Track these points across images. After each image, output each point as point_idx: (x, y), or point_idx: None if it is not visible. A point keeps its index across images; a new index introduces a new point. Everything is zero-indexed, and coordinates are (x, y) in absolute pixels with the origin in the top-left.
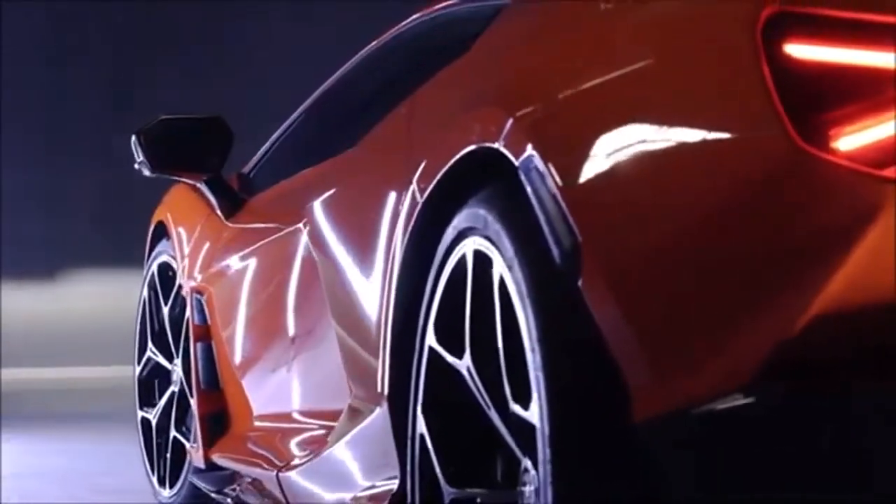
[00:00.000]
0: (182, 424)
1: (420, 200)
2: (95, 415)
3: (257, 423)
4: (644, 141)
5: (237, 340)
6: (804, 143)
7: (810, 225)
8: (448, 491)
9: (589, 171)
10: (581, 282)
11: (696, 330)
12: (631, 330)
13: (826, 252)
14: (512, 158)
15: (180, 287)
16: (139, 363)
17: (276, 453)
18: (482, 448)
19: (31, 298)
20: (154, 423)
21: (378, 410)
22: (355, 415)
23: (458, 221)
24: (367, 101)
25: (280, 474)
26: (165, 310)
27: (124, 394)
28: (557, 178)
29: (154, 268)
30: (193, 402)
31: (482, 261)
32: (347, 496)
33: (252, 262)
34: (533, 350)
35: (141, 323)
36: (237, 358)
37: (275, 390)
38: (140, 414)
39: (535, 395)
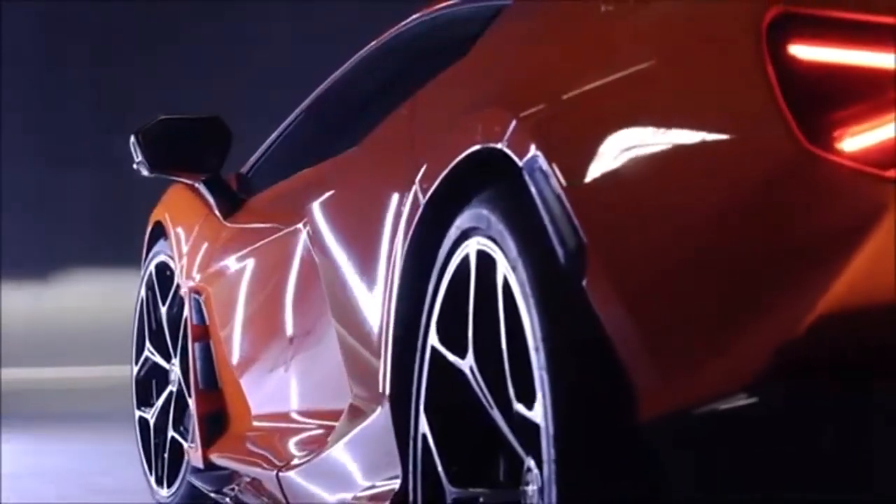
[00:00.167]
0: (180, 424)
1: (422, 201)
2: (93, 415)
3: (256, 423)
4: (648, 141)
5: (236, 340)
6: (809, 144)
7: (815, 225)
8: (450, 490)
9: (593, 171)
10: (585, 282)
11: (700, 330)
12: (635, 330)
13: (830, 252)
14: (516, 159)
15: (178, 287)
16: (137, 363)
17: (276, 453)
18: (484, 447)
19: (29, 298)
20: (152, 422)
21: (379, 410)
22: (356, 414)
23: (462, 221)
24: (366, 102)
25: (280, 474)
26: (163, 309)
27: (122, 393)
28: (561, 179)
29: (152, 268)
30: (192, 401)
31: (485, 261)
32: (348, 496)
33: (251, 262)
34: (537, 350)
35: (138, 323)
36: (236, 358)
37: (273, 390)
38: (138, 414)
39: (539, 395)
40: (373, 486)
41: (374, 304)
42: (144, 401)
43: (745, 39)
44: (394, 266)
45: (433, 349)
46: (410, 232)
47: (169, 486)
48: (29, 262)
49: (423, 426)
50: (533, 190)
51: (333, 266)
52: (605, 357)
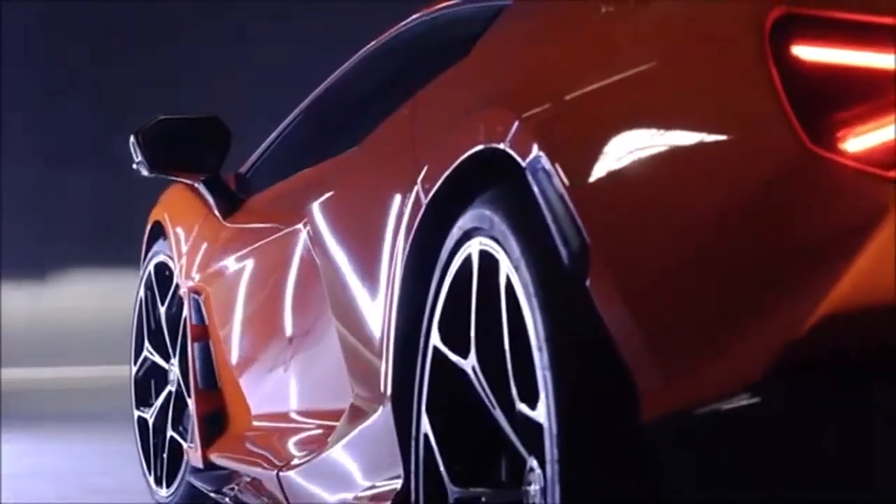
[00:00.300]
0: (179, 424)
1: (424, 201)
2: (92, 414)
3: (255, 423)
4: (651, 142)
5: (235, 340)
6: (811, 145)
7: (817, 226)
8: (452, 490)
9: (596, 171)
10: (589, 282)
11: (702, 330)
12: (639, 330)
13: (832, 253)
14: (518, 159)
15: (177, 287)
16: (135, 363)
17: (276, 453)
18: (487, 447)
19: (29, 298)
20: (151, 422)
21: (381, 410)
22: (357, 414)
23: (464, 222)
24: (366, 102)
25: (280, 474)
26: (162, 309)
27: (121, 393)
28: (564, 179)
29: (151, 267)
30: (191, 401)
31: (488, 261)
32: (349, 496)
33: (251, 262)
34: (540, 350)
35: (137, 323)
36: (235, 358)
37: (273, 390)
38: (136, 413)
39: (542, 395)
40: (374, 486)
41: (376, 304)
42: (143, 401)
43: (748, 40)
44: (395, 266)
45: (435, 349)
46: (412, 232)
47: (168, 485)
48: (28, 262)
49: (425, 426)
50: (536, 190)
51: (334, 266)
52: (608, 357)
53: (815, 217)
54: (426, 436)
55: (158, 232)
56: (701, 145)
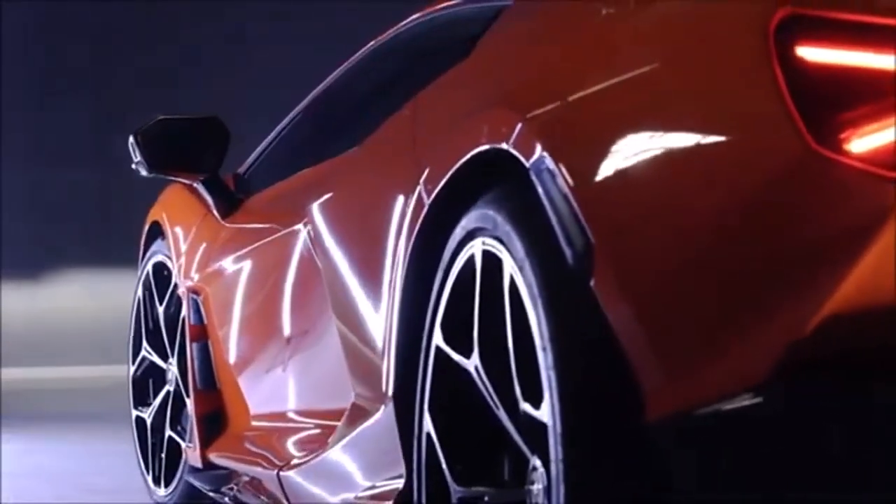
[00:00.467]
0: (177, 423)
1: (427, 202)
2: (90, 414)
3: (255, 423)
4: (656, 142)
5: (234, 340)
6: (816, 145)
7: (822, 226)
8: (455, 489)
9: (600, 171)
10: (593, 282)
11: (707, 330)
12: (643, 330)
13: (838, 253)
14: (522, 159)
15: (175, 287)
16: (133, 363)
17: (276, 452)
18: (489, 446)
19: (27, 298)
20: (149, 422)
21: (383, 409)
22: (359, 414)
23: (467, 222)
24: (365, 102)
25: (281, 473)
26: (160, 309)
27: (119, 393)
28: (569, 179)
29: (149, 267)
30: (190, 401)
31: (491, 261)
32: (350, 495)
33: (250, 262)
34: (544, 350)
35: (135, 322)
36: (234, 358)
37: (273, 390)
38: (135, 413)
39: (546, 395)
40: (376, 486)
41: (378, 304)
42: (141, 400)
43: (753, 41)
44: (397, 267)
45: (438, 349)
46: (414, 232)
47: (166, 485)
48: (27, 262)
49: (428, 425)
50: (540, 190)
51: (335, 266)
52: (613, 357)
53: (819, 217)
54: (429, 435)
55: (157, 232)
56: (705, 146)
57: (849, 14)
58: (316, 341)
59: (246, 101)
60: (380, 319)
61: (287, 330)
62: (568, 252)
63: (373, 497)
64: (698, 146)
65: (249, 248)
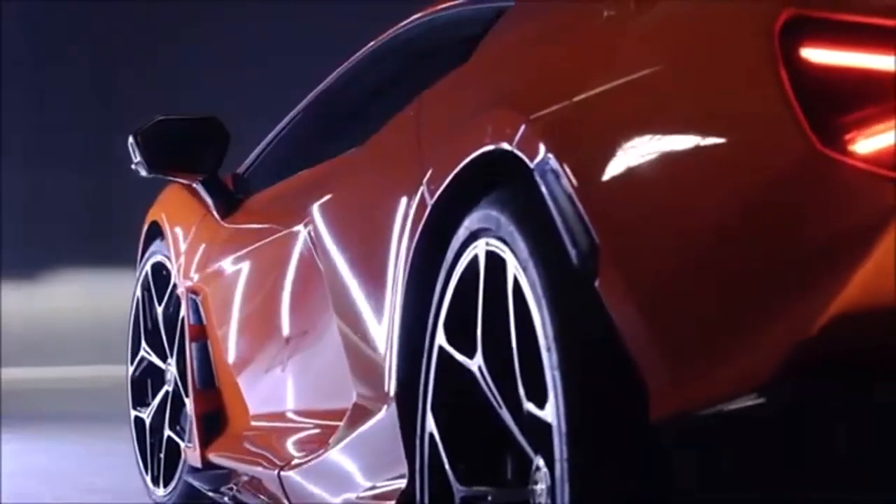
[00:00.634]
0: (176, 423)
1: (430, 202)
2: (88, 414)
3: (254, 423)
4: (660, 142)
5: (234, 340)
6: (822, 146)
7: (828, 227)
8: (458, 489)
9: (605, 172)
10: (598, 282)
11: (712, 330)
12: (648, 330)
13: (843, 254)
14: (527, 160)
15: (174, 287)
16: (132, 363)
17: (276, 452)
18: (492, 446)
19: (25, 298)
20: (148, 422)
21: (385, 409)
22: (361, 414)
23: (471, 222)
24: (364, 103)
25: (282, 473)
26: (159, 309)
27: (117, 393)
28: (573, 179)
29: (148, 268)
30: (189, 401)
31: (494, 262)
32: (352, 495)
33: (250, 263)
34: (549, 350)
35: (134, 323)
36: (233, 357)
37: (272, 390)
38: (133, 413)
39: (551, 395)
40: (378, 486)
41: (380, 305)
42: (140, 401)
43: (758, 42)
44: (399, 267)
45: (441, 349)
46: (417, 233)
47: (165, 485)
48: (27, 262)
49: (431, 425)
50: (544, 191)
51: (338, 266)
52: (618, 357)
53: (824, 218)
54: (431, 435)
55: (156, 232)
56: (710, 146)
57: (853, 15)
58: (316, 341)
59: (246, 101)
60: (382, 320)
61: (287, 330)
62: (573, 252)
63: (375, 497)
64: (703, 147)
65: (249, 248)
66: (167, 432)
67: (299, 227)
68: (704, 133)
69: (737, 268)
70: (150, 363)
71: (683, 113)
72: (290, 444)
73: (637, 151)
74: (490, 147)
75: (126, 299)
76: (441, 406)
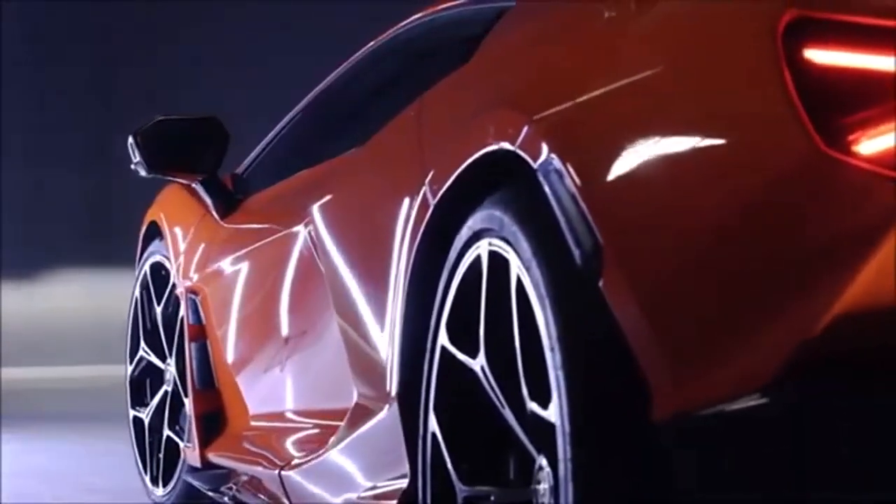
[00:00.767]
0: (175, 423)
1: (432, 202)
2: (87, 414)
3: (254, 423)
4: (663, 142)
5: (233, 340)
6: (825, 147)
7: (831, 227)
8: (461, 489)
9: (608, 172)
10: (602, 282)
11: (715, 330)
12: (652, 329)
13: (846, 254)
14: (530, 160)
15: (173, 287)
16: (131, 363)
17: (277, 452)
18: (495, 446)
19: (24, 298)
20: (147, 422)
21: (387, 409)
22: (362, 414)
23: (474, 223)
24: (364, 103)
25: (282, 473)
26: (158, 309)
27: (116, 393)
28: (577, 179)
29: (146, 268)
30: (188, 401)
31: (497, 262)
32: (354, 495)
33: (250, 262)
34: (552, 349)
35: (133, 322)
36: (233, 357)
37: (272, 390)
38: (132, 413)
39: (554, 395)
40: (380, 485)
41: (381, 305)
42: (139, 401)
43: (761, 43)
44: (401, 267)
45: (443, 349)
46: (420, 233)
47: (164, 485)
48: (25, 261)
49: (433, 425)
50: (548, 191)
51: (339, 266)
52: (621, 357)
53: (828, 219)
54: (434, 434)
55: (154, 232)
56: (713, 147)
57: (856, 16)
58: (316, 341)
59: (245, 101)
60: (384, 320)
61: (286, 330)
62: (576, 252)
63: (376, 497)
64: (706, 147)
65: (249, 248)
66: (166, 432)
67: (299, 228)
68: (708, 133)
69: (740, 268)
70: (149, 363)
71: (687, 113)
72: (290, 444)
73: (640, 151)
74: (493, 147)
75: (126, 299)
76: (443, 406)
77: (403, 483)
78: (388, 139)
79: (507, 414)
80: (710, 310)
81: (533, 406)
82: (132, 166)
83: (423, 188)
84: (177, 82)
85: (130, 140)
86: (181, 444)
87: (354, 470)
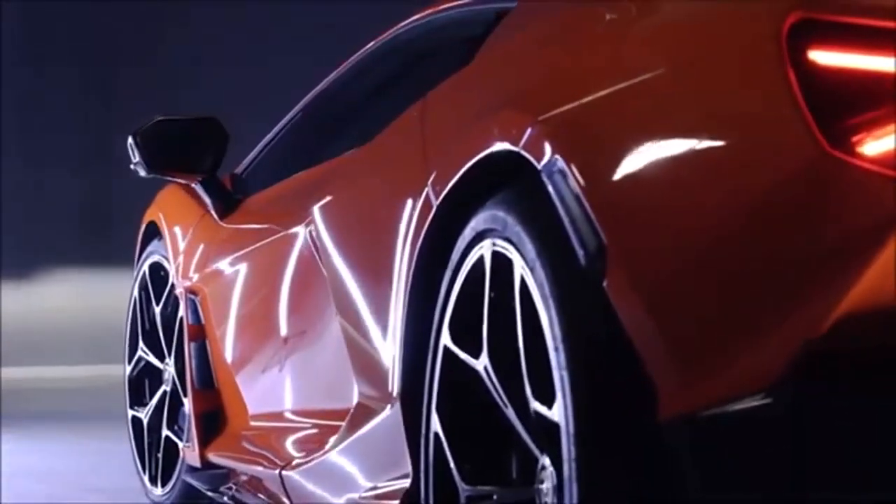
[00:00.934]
0: (174, 423)
1: (435, 203)
2: (86, 414)
3: (254, 423)
4: (668, 143)
5: (233, 340)
6: (830, 148)
7: (835, 228)
8: (463, 488)
9: (613, 172)
10: (606, 282)
11: (720, 330)
12: (656, 329)
13: (852, 254)
14: (534, 161)
15: (172, 287)
16: (130, 362)
17: (277, 452)
18: (497, 445)
19: (23, 298)
20: (145, 422)
21: (389, 409)
22: (364, 414)
23: (477, 223)
24: (364, 103)
25: (283, 473)
26: (157, 309)
27: (115, 393)
28: (581, 180)
29: (145, 268)
30: (188, 401)
31: (500, 262)
32: (355, 495)
33: (249, 263)
34: (556, 349)
35: (131, 322)
36: (232, 357)
37: (272, 390)
38: (131, 413)
39: (558, 395)
40: (382, 486)
41: (384, 305)
42: (138, 400)
43: (766, 44)
44: (403, 268)
45: (446, 349)
46: (422, 233)
47: (163, 485)
48: (24, 261)
49: (436, 425)
50: (552, 191)
51: (341, 267)
52: (626, 357)
53: (833, 219)
54: (436, 434)
55: (153, 232)
56: (718, 148)
57: (861, 18)
58: (316, 341)
59: (245, 102)
60: (386, 320)
61: (285, 330)
62: (581, 252)
63: (378, 497)
64: (711, 148)
65: (248, 248)
66: (165, 432)
67: (300, 228)
68: (712, 134)
69: (745, 268)
70: (148, 363)
71: (691, 114)
72: (290, 444)
73: (645, 152)
74: (496, 148)
75: (125, 299)
76: (446, 406)
77: (406, 483)
78: (391, 139)
79: (510, 414)
80: (714, 310)
81: (537, 406)
82: (132, 166)
83: (426, 188)
84: (177, 82)
85: (130, 140)
86: (180, 444)
87: (356, 470)
